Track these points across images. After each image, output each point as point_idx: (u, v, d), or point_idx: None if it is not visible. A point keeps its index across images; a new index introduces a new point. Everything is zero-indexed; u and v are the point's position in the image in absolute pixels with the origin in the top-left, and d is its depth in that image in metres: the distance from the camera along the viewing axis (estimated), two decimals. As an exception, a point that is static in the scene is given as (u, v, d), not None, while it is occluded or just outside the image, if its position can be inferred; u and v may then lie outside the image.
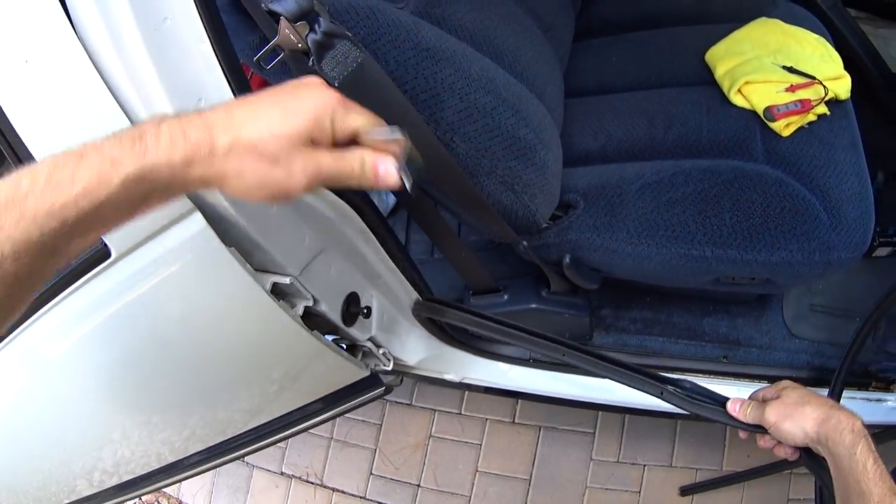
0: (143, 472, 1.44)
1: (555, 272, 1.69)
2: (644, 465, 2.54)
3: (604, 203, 1.60)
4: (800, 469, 2.20)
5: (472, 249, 1.71)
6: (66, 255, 0.57)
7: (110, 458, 1.30)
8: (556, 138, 1.56)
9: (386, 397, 2.55)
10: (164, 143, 0.56)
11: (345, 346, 1.50)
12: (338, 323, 1.30)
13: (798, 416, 1.02)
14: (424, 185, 1.34)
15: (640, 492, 2.52)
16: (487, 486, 2.63)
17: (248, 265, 1.02)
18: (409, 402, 2.74)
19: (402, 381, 1.98)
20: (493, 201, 1.38)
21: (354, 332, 1.38)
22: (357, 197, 1.17)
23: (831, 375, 1.64)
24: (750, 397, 1.16)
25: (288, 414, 1.54)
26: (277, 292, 1.14)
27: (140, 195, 0.57)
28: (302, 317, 1.18)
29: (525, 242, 1.55)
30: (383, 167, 0.66)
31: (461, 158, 1.29)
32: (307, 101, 0.62)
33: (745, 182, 1.53)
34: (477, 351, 1.85)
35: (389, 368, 1.64)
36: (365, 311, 1.38)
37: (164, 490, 2.81)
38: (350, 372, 1.50)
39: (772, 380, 1.65)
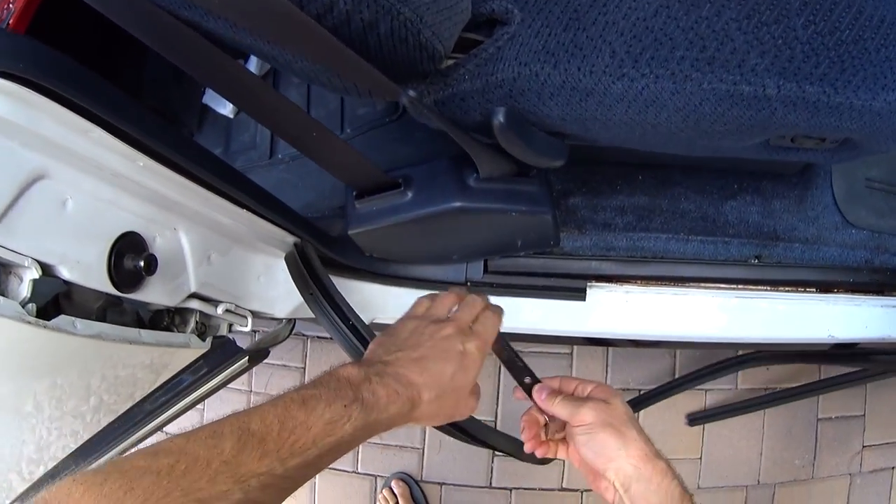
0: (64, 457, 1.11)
1: (483, 146, 0.96)
2: (639, 391, 2.04)
3: (559, 7, 0.84)
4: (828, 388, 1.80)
5: (364, 126, 1.27)
6: (298, 486, 0.63)
7: (31, 439, 1.04)
8: None
9: (304, 333, 2.17)
10: (383, 400, 0.68)
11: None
12: (106, 290, 0.87)
13: (624, 429, 0.80)
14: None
15: (635, 424, 1.96)
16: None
17: None
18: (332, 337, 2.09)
19: (292, 330, 1.40)
20: (331, 20, 0.70)
21: (149, 295, 0.95)
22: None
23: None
24: (561, 383, 0.90)
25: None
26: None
27: (364, 436, 0.67)
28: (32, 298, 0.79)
29: (412, 92, 0.80)
30: None
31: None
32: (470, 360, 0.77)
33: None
34: (389, 279, 1.25)
35: (248, 329, 1.21)
36: (142, 265, 0.88)
37: None
38: (161, 356, 1.05)
39: (821, 287, 1.28)
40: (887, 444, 2.06)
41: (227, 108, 1.58)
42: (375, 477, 2.12)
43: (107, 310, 0.95)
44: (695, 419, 1.97)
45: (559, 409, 0.85)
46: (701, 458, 2.01)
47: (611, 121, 0.85)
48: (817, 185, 1.33)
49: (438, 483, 2.09)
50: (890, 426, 2.05)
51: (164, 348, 1.04)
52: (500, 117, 0.84)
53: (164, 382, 1.15)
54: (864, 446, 2.04)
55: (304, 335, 2.15)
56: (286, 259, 1.12)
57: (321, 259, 1.16)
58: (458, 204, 1.02)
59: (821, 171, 1.34)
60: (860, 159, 1.09)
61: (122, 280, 0.87)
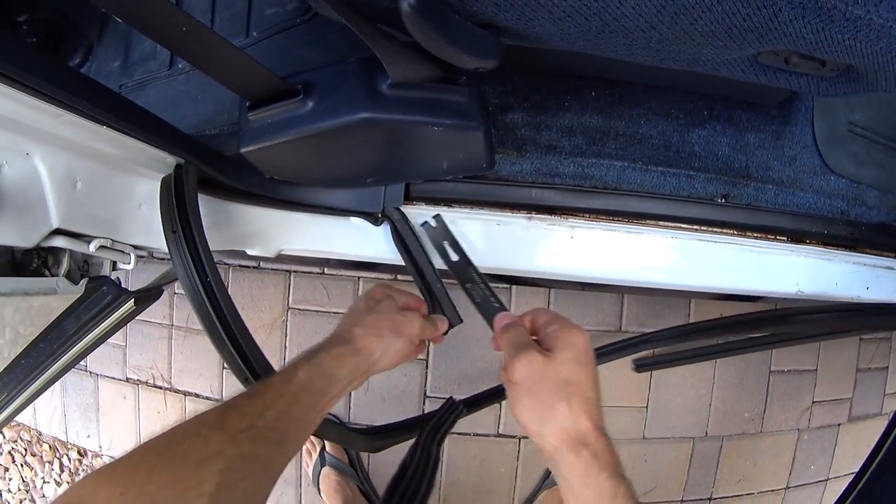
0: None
1: (395, 42, 0.75)
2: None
3: None
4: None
5: (271, 28, 1.08)
6: (284, 435, 0.69)
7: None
8: None
9: (225, 262, 1.96)
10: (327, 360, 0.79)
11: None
12: None
13: (548, 404, 0.71)
14: None
15: (578, 367, 1.80)
16: (372, 373, 1.88)
17: None
18: (255, 265, 1.96)
19: None
20: None
21: None
22: None
23: (872, 237, 1.16)
24: (532, 317, 0.82)
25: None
26: None
27: (322, 384, 0.76)
28: None
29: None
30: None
31: None
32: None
33: None
34: (294, 206, 1.05)
35: (130, 267, 1.02)
36: None
37: (23, 423, 2.32)
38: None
39: (793, 236, 1.14)
40: (836, 400, 1.97)
41: (127, 16, 1.32)
42: (301, 419, 1.94)
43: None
44: (642, 365, 1.80)
45: (503, 345, 0.80)
46: (647, 407, 1.87)
47: (560, 8, 0.64)
48: (797, 122, 1.16)
49: (366, 425, 1.90)
50: (840, 382, 1.96)
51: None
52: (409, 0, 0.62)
53: (46, 330, 0.98)
54: (814, 402, 1.95)
55: (225, 264, 1.94)
56: (161, 184, 0.90)
57: (215, 185, 0.95)
58: (365, 115, 0.81)
59: (802, 105, 1.18)
60: (856, 95, 0.90)
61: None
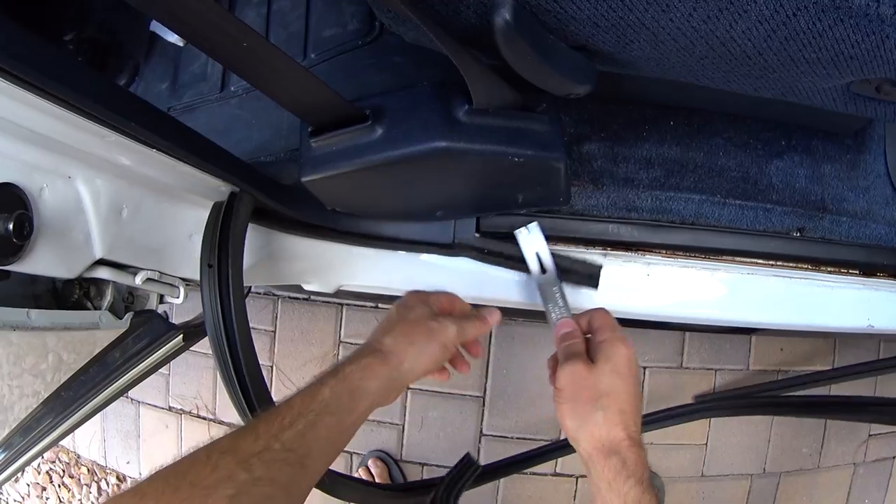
0: (28, 420, 0.96)
1: (480, 65, 0.67)
2: (644, 368, 1.81)
3: None
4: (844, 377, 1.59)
5: (331, 50, 1.03)
6: (302, 456, 0.64)
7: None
8: None
9: (275, 293, 1.92)
10: (395, 369, 0.76)
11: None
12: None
13: (584, 412, 0.74)
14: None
15: (640, 404, 1.72)
16: (425, 408, 1.87)
17: None
18: (306, 297, 1.89)
19: (246, 295, 1.10)
20: None
21: (37, 265, 0.68)
22: None
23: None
24: (590, 320, 0.82)
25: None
26: None
27: (349, 402, 0.71)
28: None
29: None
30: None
31: None
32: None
33: None
34: (358, 238, 0.97)
35: (180, 301, 0.96)
36: (11, 228, 0.61)
37: (62, 445, 2.27)
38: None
39: (865, 270, 1.04)
40: (892, 432, 1.87)
41: (175, 36, 1.27)
42: (351, 454, 1.88)
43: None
44: (703, 405, 1.72)
45: (558, 352, 0.82)
46: (707, 444, 1.78)
47: (665, 30, 0.56)
48: (871, 151, 1.08)
49: (420, 463, 1.85)
50: (895, 413, 1.86)
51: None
52: (505, 14, 0.54)
53: (89, 363, 0.94)
54: (870, 435, 1.85)
55: (274, 295, 1.88)
56: (211, 210, 0.82)
57: (272, 216, 0.89)
58: (442, 144, 0.73)
59: (875, 134, 1.10)
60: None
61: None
